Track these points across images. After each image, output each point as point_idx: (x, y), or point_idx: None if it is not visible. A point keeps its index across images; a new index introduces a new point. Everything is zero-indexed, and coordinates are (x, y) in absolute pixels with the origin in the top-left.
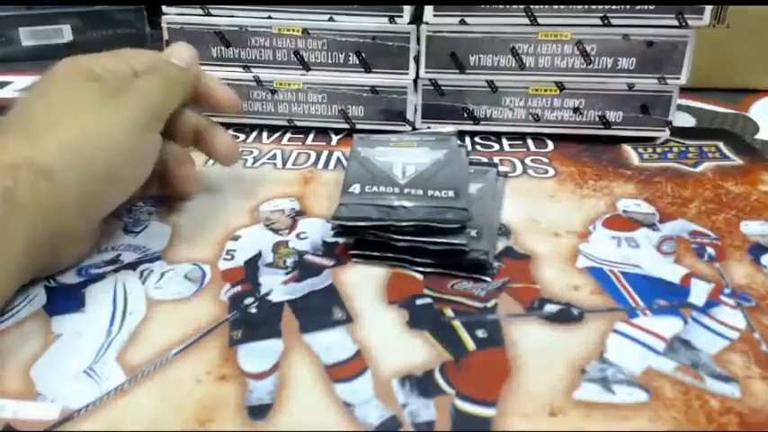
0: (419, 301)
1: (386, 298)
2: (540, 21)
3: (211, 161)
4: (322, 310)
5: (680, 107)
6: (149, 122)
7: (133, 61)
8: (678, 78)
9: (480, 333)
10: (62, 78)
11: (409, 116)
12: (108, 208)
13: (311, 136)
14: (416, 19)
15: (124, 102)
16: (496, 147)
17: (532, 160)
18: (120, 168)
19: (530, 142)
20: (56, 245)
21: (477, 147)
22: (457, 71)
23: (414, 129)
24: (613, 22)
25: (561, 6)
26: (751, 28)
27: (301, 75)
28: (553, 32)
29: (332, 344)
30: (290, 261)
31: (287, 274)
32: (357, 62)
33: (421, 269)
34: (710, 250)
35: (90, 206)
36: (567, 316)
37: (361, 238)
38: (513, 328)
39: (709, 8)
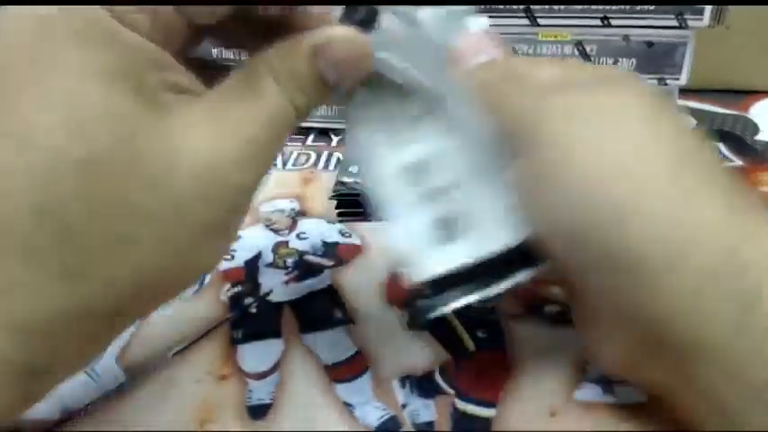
0: (419, 302)
1: (386, 298)
2: (540, 21)
3: None
4: (322, 310)
5: (679, 108)
6: None
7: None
8: (678, 79)
9: (480, 333)
10: None
11: None
12: None
13: (311, 136)
14: None
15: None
16: None
17: None
18: None
19: None
20: None
21: None
22: None
23: None
24: (613, 22)
25: (561, 7)
26: (751, 28)
27: None
28: (553, 33)
29: (332, 344)
30: (290, 261)
31: (287, 274)
32: None
33: None
34: None
35: None
36: (567, 316)
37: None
38: (514, 328)
39: (708, 9)
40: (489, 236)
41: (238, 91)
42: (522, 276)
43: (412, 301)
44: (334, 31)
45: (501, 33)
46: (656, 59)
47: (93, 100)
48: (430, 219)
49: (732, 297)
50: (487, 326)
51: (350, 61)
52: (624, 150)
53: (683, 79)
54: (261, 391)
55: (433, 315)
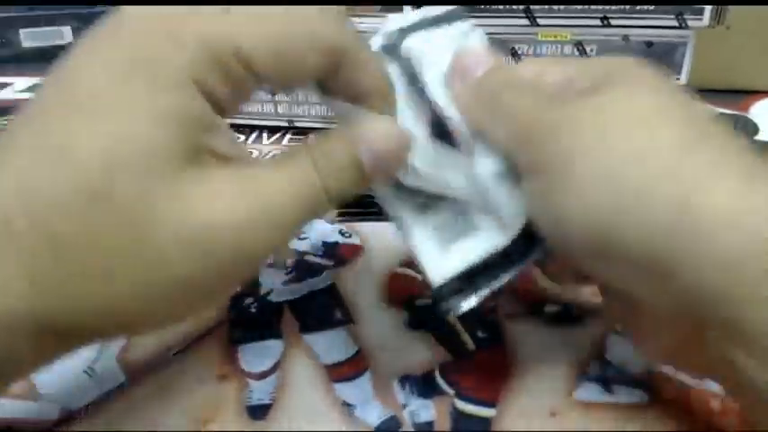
0: (419, 302)
1: (386, 298)
2: (540, 21)
3: None
4: (322, 310)
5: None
6: None
7: None
8: (678, 79)
9: (480, 333)
10: None
11: None
12: None
13: (311, 137)
14: None
15: None
16: None
17: None
18: None
19: None
20: None
21: None
22: None
23: None
24: (613, 22)
25: (561, 7)
26: (751, 28)
27: None
28: (553, 33)
29: (332, 344)
30: (289, 261)
31: (287, 274)
32: None
33: None
34: None
35: None
36: (567, 316)
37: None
38: (514, 328)
39: (708, 9)
40: (492, 230)
41: (272, 164)
42: (533, 257)
43: (433, 304)
44: (377, 123)
45: (501, 33)
46: (656, 59)
47: (140, 140)
48: (434, 223)
49: (763, 279)
50: (487, 326)
51: (391, 153)
52: (628, 152)
53: (683, 79)
54: (261, 391)
55: (457, 312)
